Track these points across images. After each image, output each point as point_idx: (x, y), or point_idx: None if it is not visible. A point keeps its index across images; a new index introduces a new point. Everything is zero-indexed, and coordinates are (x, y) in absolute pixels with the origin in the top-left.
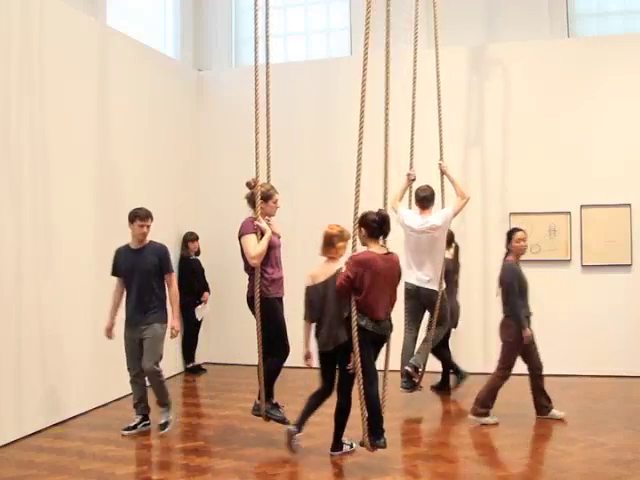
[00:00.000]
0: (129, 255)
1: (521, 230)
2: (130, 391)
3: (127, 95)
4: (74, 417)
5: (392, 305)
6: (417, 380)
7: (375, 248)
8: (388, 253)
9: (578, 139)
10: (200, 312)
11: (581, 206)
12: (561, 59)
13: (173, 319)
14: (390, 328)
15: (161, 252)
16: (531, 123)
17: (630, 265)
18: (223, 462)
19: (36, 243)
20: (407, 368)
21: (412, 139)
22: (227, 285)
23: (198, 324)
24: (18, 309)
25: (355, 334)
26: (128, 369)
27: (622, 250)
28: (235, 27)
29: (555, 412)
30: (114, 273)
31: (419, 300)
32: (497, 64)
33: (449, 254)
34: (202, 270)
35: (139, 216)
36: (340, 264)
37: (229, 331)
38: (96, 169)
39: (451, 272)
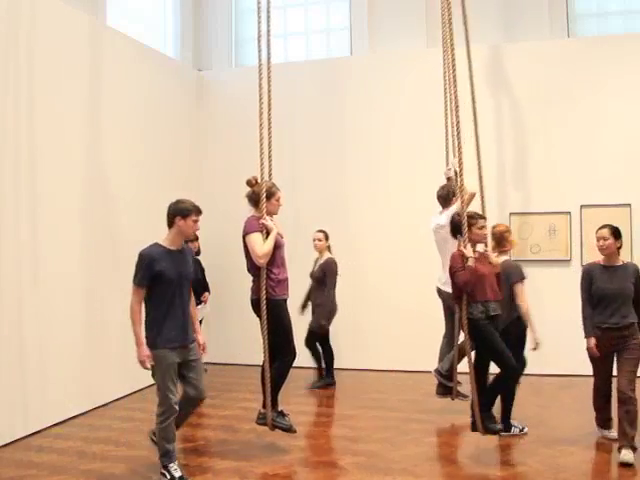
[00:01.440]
0: (172, 258)
1: (602, 228)
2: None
3: (127, 95)
4: (74, 417)
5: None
6: (450, 386)
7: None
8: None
9: (578, 139)
10: (200, 312)
11: (581, 206)
12: (561, 59)
13: (198, 334)
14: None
15: (192, 254)
16: (531, 123)
17: None
18: (223, 462)
19: (33, 243)
20: (433, 373)
21: (447, 135)
22: (227, 285)
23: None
24: (17, 309)
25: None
26: (172, 405)
27: (622, 250)
28: (235, 27)
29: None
30: (147, 281)
31: (444, 302)
32: (497, 64)
33: (328, 254)
34: (202, 270)
35: (195, 210)
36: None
37: (229, 331)
38: (95, 169)
39: (333, 273)
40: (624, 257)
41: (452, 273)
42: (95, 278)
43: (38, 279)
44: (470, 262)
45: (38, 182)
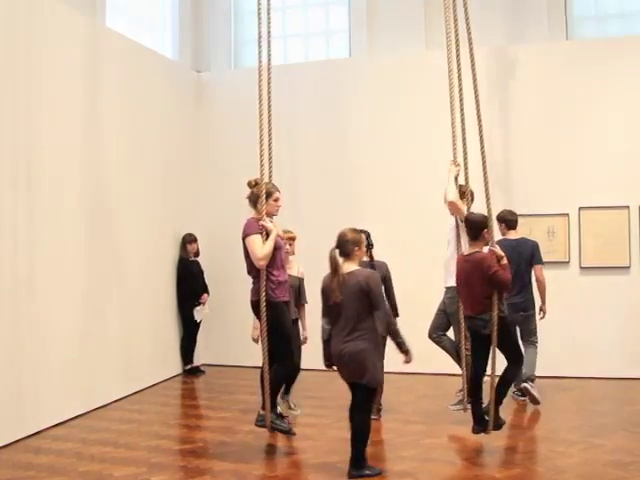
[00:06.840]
0: None
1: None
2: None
3: (126, 96)
4: (73, 418)
5: (475, 302)
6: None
7: (470, 249)
8: (473, 253)
9: (577, 141)
10: (199, 314)
11: (580, 208)
12: (560, 61)
13: None
14: (483, 326)
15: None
16: (530, 125)
17: (628, 267)
18: (221, 464)
19: (24, 242)
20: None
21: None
22: (226, 286)
23: (197, 325)
24: (16, 309)
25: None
26: None
27: (620, 252)
28: (234, 29)
29: None
30: None
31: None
32: (496, 66)
33: None
34: (201, 272)
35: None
36: None
37: (228, 333)
38: (95, 170)
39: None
40: (622, 258)
41: (493, 273)
42: (94, 279)
43: (36, 280)
44: (504, 260)
45: (35, 183)
